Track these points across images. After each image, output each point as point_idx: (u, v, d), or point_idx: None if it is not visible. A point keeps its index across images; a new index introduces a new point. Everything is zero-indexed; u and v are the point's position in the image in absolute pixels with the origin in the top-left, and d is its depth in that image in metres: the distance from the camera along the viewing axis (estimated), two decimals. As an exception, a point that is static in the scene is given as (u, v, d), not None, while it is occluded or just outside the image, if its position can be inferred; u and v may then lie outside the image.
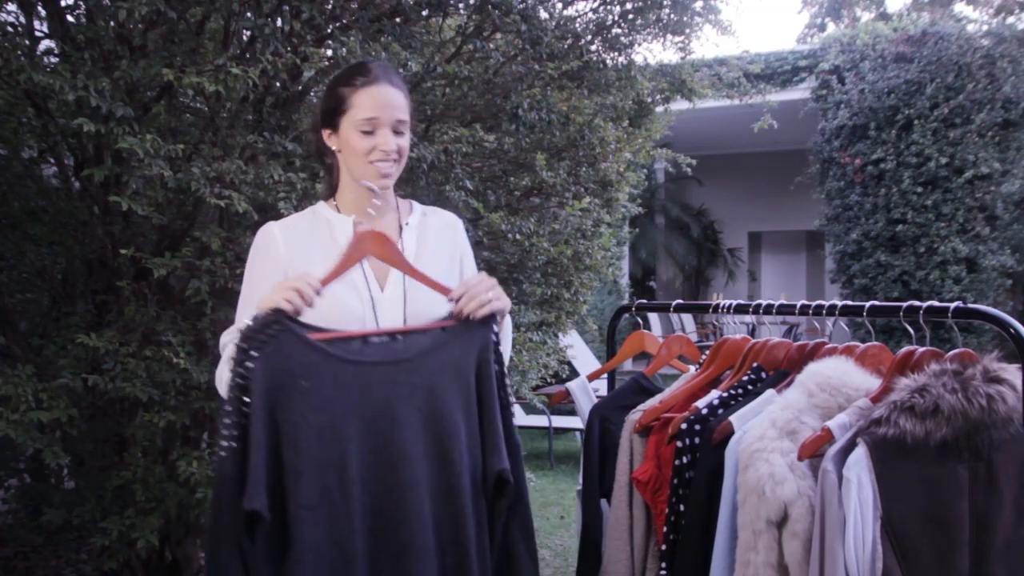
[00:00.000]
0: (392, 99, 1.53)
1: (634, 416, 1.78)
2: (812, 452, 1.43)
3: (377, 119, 1.51)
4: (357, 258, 1.45)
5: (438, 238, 1.65)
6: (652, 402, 1.83)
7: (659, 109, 5.86)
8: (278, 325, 1.34)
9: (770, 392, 1.65)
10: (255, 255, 1.58)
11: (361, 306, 1.51)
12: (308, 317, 1.40)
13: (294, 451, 1.33)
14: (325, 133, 1.59)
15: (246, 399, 1.31)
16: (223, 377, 1.43)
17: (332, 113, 1.56)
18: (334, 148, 1.59)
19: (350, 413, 1.36)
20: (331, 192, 1.64)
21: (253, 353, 1.33)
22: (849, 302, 1.77)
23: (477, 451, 1.44)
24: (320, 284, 1.39)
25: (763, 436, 1.47)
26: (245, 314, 1.47)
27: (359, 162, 1.53)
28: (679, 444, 1.66)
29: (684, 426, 1.66)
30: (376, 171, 1.53)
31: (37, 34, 2.64)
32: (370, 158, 1.52)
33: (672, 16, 3.94)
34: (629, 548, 1.71)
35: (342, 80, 1.56)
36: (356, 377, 1.38)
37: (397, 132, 1.54)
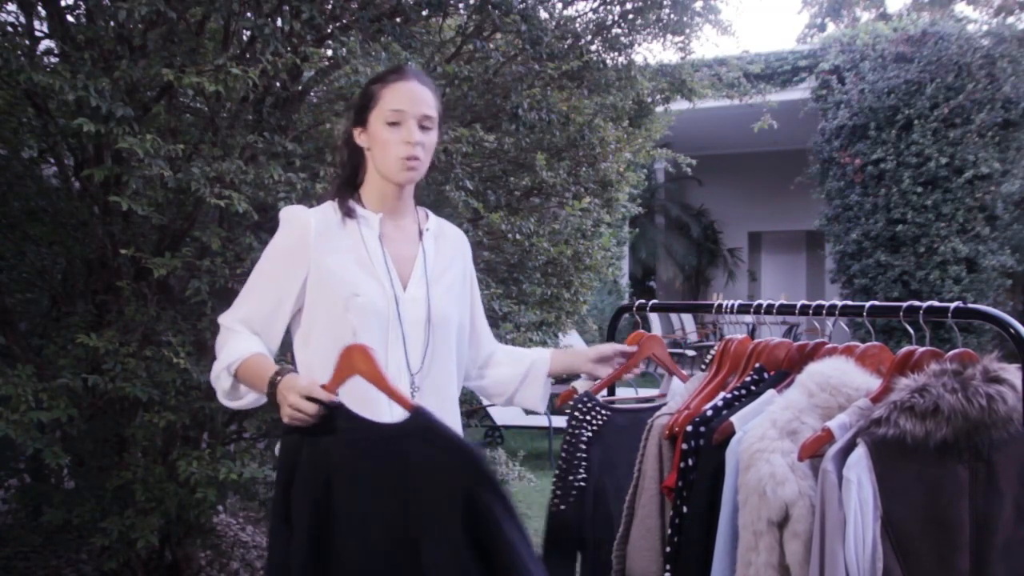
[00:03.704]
0: (419, 94, 1.56)
1: (662, 421, 1.74)
2: (812, 452, 1.43)
3: (404, 111, 1.53)
4: (348, 375, 1.39)
5: (453, 250, 1.72)
6: (679, 407, 1.80)
7: (659, 109, 5.87)
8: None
9: (771, 392, 1.64)
10: (282, 238, 1.58)
11: (387, 305, 1.55)
12: (343, 315, 1.49)
13: None
14: (356, 132, 1.60)
15: None
16: (220, 380, 1.57)
17: (363, 109, 1.59)
18: (364, 146, 1.60)
19: None
20: (352, 190, 1.64)
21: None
22: (849, 302, 1.76)
23: None
24: (324, 394, 1.36)
25: (764, 436, 1.46)
26: (249, 296, 1.58)
27: (386, 155, 1.55)
28: (684, 446, 1.65)
29: (690, 428, 1.65)
30: (403, 166, 1.54)
31: (37, 34, 2.63)
32: (396, 152, 1.53)
33: (672, 16, 3.94)
34: (664, 555, 1.68)
35: (375, 79, 1.62)
36: None
37: (423, 127, 1.56)
